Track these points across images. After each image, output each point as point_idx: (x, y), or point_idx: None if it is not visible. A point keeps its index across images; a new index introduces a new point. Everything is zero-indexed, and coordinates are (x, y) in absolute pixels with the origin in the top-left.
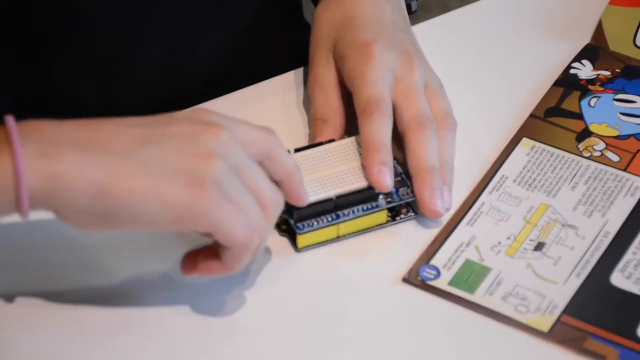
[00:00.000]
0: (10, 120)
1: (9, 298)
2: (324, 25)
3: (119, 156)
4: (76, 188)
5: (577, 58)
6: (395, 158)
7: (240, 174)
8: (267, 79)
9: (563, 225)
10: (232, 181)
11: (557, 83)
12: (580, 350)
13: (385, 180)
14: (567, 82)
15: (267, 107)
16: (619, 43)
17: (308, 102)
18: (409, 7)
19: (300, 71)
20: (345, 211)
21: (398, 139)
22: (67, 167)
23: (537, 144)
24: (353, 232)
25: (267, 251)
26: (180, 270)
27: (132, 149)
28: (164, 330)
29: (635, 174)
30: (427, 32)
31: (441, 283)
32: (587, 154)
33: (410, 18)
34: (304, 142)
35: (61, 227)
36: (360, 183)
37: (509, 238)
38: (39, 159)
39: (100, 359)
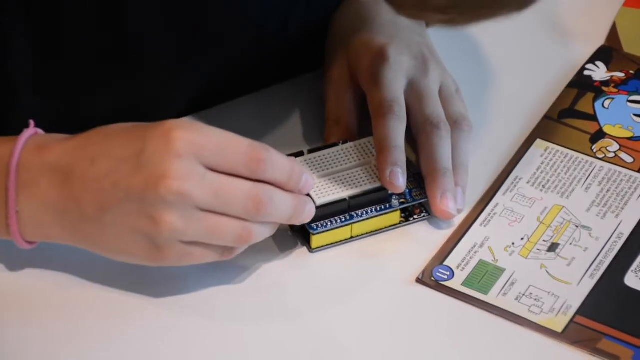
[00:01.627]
0: (13, 174)
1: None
2: (340, 28)
3: (90, 221)
4: (63, 241)
5: (591, 60)
6: (408, 159)
7: (207, 206)
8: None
9: (577, 227)
10: (194, 225)
11: (571, 84)
12: (594, 350)
13: (398, 181)
14: (581, 84)
15: (283, 110)
16: (633, 45)
17: (323, 105)
18: None
19: (316, 74)
20: (359, 212)
21: (411, 141)
22: (54, 234)
23: (551, 145)
24: (366, 233)
25: (281, 252)
26: None
27: (99, 214)
28: (176, 331)
29: None
30: (442, 34)
31: (455, 283)
32: (600, 156)
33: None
34: (318, 144)
35: None
36: (373, 184)
37: (522, 239)
38: (31, 228)
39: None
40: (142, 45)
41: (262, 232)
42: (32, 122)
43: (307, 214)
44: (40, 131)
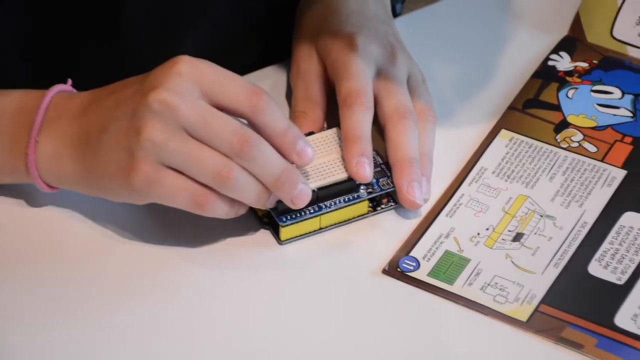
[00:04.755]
0: (42, 111)
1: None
2: (308, 18)
3: (91, 145)
4: (74, 181)
5: (555, 50)
6: (375, 149)
7: (191, 128)
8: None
9: (541, 216)
10: (174, 143)
11: (535, 75)
12: (559, 339)
13: (365, 171)
14: (545, 74)
15: None
16: (596, 35)
17: (291, 95)
18: (393, 9)
19: (284, 64)
20: (327, 203)
21: (380, 130)
22: (67, 169)
23: (516, 136)
24: (335, 224)
25: (251, 244)
26: None
27: (99, 136)
28: (142, 323)
29: (612, 165)
30: (408, 24)
31: (421, 274)
32: (564, 145)
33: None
34: None
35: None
36: (341, 175)
37: (487, 229)
38: (47, 161)
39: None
40: (126, 20)
41: (243, 184)
42: (69, 80)
43: (299, 191)
44: (74, 90)
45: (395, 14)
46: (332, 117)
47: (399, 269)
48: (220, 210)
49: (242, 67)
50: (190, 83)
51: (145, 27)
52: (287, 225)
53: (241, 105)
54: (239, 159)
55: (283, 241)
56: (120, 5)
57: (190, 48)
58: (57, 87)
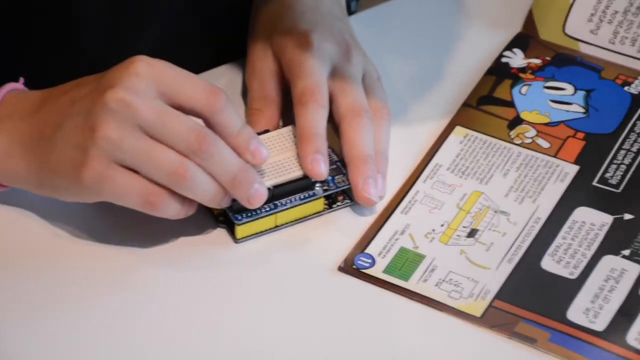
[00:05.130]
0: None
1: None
2: (263, 15)
3: (44, 141)
4: (25, 178)
5: (509, 47)
6: (330, 147)
7: (148, 126)
8: None
9: (495, 212)
10: (129, 140)
11: (489, 72)
12: (512, 333)
13: (320, 168)
14: (498, 71)
15: None
16: (549, 32)
17: (247, 94)
18: (348, 7)
19: (239, 63)
20: (283, 201)
21: (335, 128)
22: (20, 166)
23: (470, 132)
24: (291, 221)
25: (206, 243)
26: None
27: (53, 132)
28: (92, 326)
29: (565, 160)
30: (363, 22)
31: (376, 271)
32: (518, 141)
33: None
34: None
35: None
36: (296, 172)
37: (442, 225)
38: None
39: None
40: (77, 19)
41: (199, 183)
42: (22, 79)
43: (255, 191)
44: (26, 89)
45: (350, 12)
46: (289, 115)
47: (354, 266)
48: (171, 210)
49: (197, 65)
50: (147, 82)
51: (98, 26)
52: (243, 223)
53: (198, 105)
54: (196, 157)
55: (239, 239)
56: (70, 5)
57: (144, 47)
58: (9, 86)
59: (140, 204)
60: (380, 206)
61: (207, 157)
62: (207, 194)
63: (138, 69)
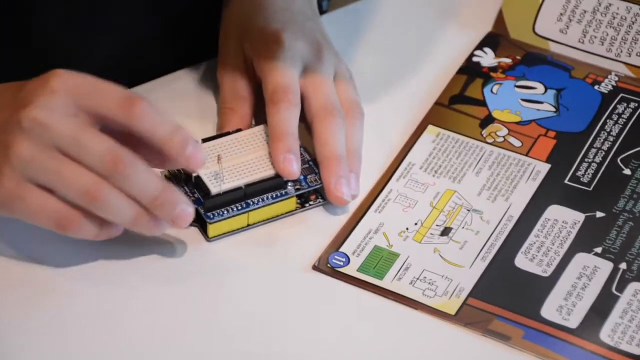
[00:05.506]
0: None
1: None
2: (234, 14)
3: None
4: None
5: (479, 46)
6: (303, 146)
7: (63, 146)
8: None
9: (468, 210)
10: (42, 159)
11: (460, 71)
12: (487, 331)
13: (292, 168)
14: (469, 70)
15: (178, 99)
16: (519, 31)
17: (218, 93)
18: (320, 6)
19: (211, 62)
20: (255, 199)
21: (307, 127)
22: None
23: (443, 131)
24: (263, 220)
25: (178, 241)
26: None
27: None
28: (64, 326)
29: (536, 159)
30: (334, 21)
31: (350, 269)
32: (490, 140)
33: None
34: (214, 133)
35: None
36: (268, 171)
37: (416, 224)
38: None
39: None
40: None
41: (115, 204)
42: None
43: (180, 211)
44: None
45: (321, 11)
46: (261, 113)
47: (329, 265)
48: (87, 232)
49: (163, 67)
50: (63, 99)
51: (57, 29)
52: (215, 222)
53: (116, 115)
54: (112, 179)
55: (211, 238)
56: (30, 7)
57: (106, 49)
58: None
59: (52, 225)
60: (354, 205)
61: (123, 179)
62: (125, 215)
63: (54, 85)
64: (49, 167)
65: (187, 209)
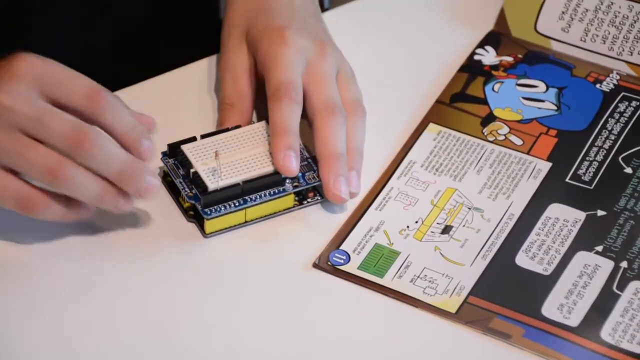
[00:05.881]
0: None
1: None
2: (237, 11)
3: None
4: None
5: (481, 44)
6: (303, 143)
7: (27, 127)
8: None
9: (469, 209)
10: (5, 141)
11: (461, 69)
12: (487, 329)
13: (291, 165)
14: (471, 68)
15: (177, 95)
16: (520, 29)
17: (219, 89)
18: (321, 4)
19: (212, 59)
20: (253, 196)
21: (308, 124)
22: None
23: (444, 129)
24: (261, 217)
25: (175, 237)
26: None
27: None
28: (64, 323)
29: (537, 157)
30: (336, 19)
31: (351, 267)
32: (491, 138)
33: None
34: (213, 129)
35: None
36: (267, 168)
37: (417, 222)
38: None
39: None
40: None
41: (80, 182)
42: None
43: (146, 183)
44: None
45: (323, 9)
46: (262, 110)
47: (329, 263)
48: (53, 213)
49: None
50: (28, 84)
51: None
52: (212, 218)
53: (79, 104)
54: (76, 156)
55: (208, 234)
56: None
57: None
58: None
59: (15, 207)
60: (354, 202)
61: (88, 156)
62: (91, 191)
63: (19, 69)
64: (10, 150)
65: (153, 181)
